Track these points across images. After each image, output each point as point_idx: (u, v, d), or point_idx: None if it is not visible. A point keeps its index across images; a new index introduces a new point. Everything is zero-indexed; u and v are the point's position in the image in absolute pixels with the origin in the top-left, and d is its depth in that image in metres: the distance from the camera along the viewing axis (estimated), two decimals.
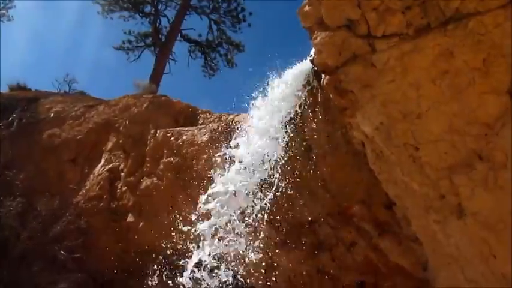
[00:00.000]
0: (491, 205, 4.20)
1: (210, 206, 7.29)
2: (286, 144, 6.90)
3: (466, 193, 4.39)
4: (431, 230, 5.09)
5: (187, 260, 7.26)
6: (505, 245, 4.20)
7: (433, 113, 4.47)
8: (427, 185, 4.81)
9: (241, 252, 7.18)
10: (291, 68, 7.12)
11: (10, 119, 13.17)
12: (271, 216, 7.14)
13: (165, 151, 9.88)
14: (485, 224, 4.28)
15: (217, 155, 7.97)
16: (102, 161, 11.54)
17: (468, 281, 4.87)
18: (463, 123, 4.26)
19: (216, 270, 7.09)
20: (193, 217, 7.35)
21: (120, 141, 11.44)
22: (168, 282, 7.39)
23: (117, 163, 11.20)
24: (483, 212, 4.28)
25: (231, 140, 7.81)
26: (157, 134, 10.30)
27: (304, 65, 6.76)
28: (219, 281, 7.07)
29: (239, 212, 7.04)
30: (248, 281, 7.59)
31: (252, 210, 7.00)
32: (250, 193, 7.00)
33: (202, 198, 7.44)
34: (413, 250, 5.94)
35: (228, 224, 7.06)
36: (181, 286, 7.12)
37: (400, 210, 5.87)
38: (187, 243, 7.47)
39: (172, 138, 9.86)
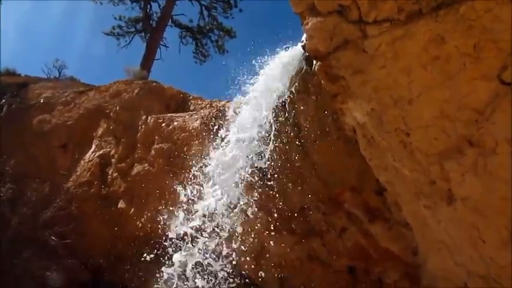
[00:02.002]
0: (480, 190, 4.23)
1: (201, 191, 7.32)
2: (277, 130, 6.90)
3: (456, 179, 4.41)
4: (422, 216, 5.13)
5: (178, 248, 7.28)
6: (494, 230, 4.25)
7: (424, 99, 4.47)
8: (417, 171, 4.83)
9: (232, 238, 7.21)
10: (282, 54, 7.10)
11: None
12: (263, 202, 7.16)
13: (156, 137, 9.86)
14: (475, 209, 4.31)
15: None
16: (93, 147, 11.50)
17: (457, 265, 4.93)
18: (453, 109, 4.26)
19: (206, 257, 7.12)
20: (184, 203, 7.37)
21: (111, 127, 11.40)
22: (159, 268, 7.40)
23: (108, 149, 11.17)
24: (473, 198, 4.31)
25: (221, 127, 7.81)
26: (148, 120, 10.27)
27: (296, 51, 6.75)
28: (210, 267, 7.10)
29: (231, 197, 7.06)
30: (239, 267, 7.62)
31: (244, 196, 7.03)
32: (241, 179, 7.02)
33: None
34: (404, 235, 5.98)
35: (220, 211, 7.07)
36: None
37: (391, 196, 5.90)
38: (178, 230, 7.48)
39: (163, 125, 9.83)
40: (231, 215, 7.06)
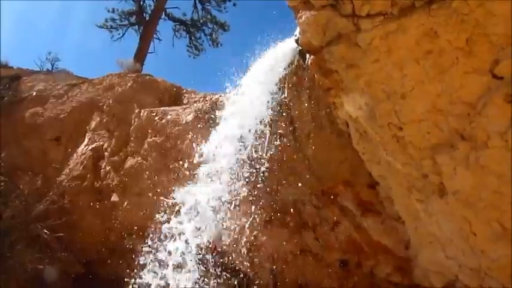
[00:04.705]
0: (472, 184, 4.25)
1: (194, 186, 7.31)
2: (271, 124, 6.90)
3: (448, 172, 4.44)
4: (414, 209, 5.16)
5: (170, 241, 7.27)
6: (485, 223, 4.27)
7: (416, 93, 4.48)
8: (410, 165, 4.85)
9: (225, 232, 7.22)
10: (276, 48, 7.10)
11: None
12: (256, 196, 7.16)
13: (149, 130, 9.84)
14: (466, 203, 4.34)
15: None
16: (86, 140, 11.48)
17: (449, 258, 4.97)
18: (446, 103, 4.28)
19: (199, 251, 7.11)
20: (178, 196, 7.36)
21: (104, 121, 11.38)
22: (151, 261, 7.39)
23: (101, 142, 11.15)
24: (464, 191, 4.34)
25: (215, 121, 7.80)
26: (141, 114, 10.25)
27: (289, 45, 6.74)
28: (202, 261, 7.10)
29: (224, 191, 7.05)
30: (232, 260, 7.64)
31: (237, 189, 7.02)
32: (235, 172, 7.02)
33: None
34: (396, 229, 6.01)
35: (213, 204, 7.07)
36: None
37: (384, 189, 5.92)
38: (171, 223, 7.47)
39: (156, 118, 9.81)
40: (224, 209, 7.05)
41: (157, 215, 7.54)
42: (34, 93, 13.01)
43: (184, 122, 9.23)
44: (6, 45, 26.54)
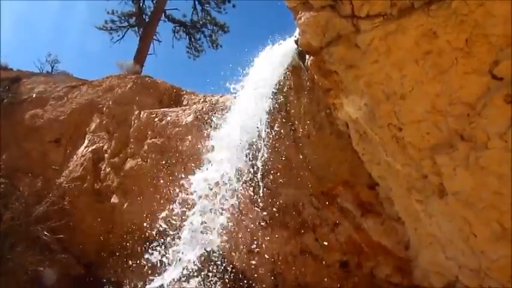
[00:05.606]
0: (472, 185, 4.26)
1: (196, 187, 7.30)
2: (271, 125, 6.90)
3: (447, 173, 4.44)
4: (414, 210, 5.16)
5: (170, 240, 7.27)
6: (485, 224, 4.27)
7: (416, 94, 4.48)
8: (409, 165, 4.85)
9: (225, 234, 7.21)
10: (275, 49, 7.10)
11: None
12: (256, 197, 7.16)
13: (149, 132, 9.83)
14: (466, 203, 4.34)
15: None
16: (86, 141, 11.47)
17: (448, 259, 4.97)
18: (445, 104, 4.28)
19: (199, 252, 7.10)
20: (178, 198, 7.35)
21: (104, 122, 11.37)
22: (151, 263, 7.39)
23: (101, 144, 11.14)
24: (464, 192, 4.34)
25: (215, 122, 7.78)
26: (141, 115, 10.24)
27: (289, 46, 6.74)
28: (203, 261, 7.09)
29: (224, 192, 7.05)
30: (232, 261, 7.63)
31: (237, 190, 7.02)
32: (235, 174, 7.01)
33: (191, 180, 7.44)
34: (396, 230, 6.01)
35: (214, 206, 7.06)
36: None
37: (383, 190, 5.92)
38: (172, 224, 7.46)
39: (156, 119, 9.80)
40: (224, 210, 7.05)
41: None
42: (34, 95, 13.02)
43: (184, 123, 9.22)
44: (6, 46, 26.47)
